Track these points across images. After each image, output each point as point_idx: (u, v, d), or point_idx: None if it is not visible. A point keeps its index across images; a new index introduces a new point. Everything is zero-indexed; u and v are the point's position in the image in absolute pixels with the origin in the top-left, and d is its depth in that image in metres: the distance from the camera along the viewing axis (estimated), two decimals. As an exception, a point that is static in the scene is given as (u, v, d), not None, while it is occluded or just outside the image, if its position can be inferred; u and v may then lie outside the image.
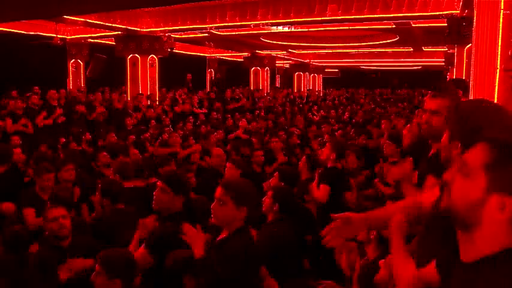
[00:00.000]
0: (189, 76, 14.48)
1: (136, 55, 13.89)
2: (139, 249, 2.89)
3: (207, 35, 14.05)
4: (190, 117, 11.38)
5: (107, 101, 11.58)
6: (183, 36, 14.76)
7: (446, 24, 10.16)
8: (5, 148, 5.42)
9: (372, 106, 16.86)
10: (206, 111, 12.88)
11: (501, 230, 1.05)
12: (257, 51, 20.12)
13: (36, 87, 10.82)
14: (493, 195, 1.05)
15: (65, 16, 11.30)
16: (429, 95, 2.39)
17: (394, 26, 12.49)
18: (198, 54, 19.42)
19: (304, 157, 5.31)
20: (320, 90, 26.37)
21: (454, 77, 10.08)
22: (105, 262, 2.52)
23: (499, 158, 1.05)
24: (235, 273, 2.53)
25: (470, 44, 7.58)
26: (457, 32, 9.76)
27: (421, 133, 2.75)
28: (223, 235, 2.70)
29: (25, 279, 2.96)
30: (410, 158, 2.63)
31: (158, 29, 13.19)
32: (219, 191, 2.67)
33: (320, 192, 4.44)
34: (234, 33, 14.01)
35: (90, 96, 11.67)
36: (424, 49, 18.50)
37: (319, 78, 29.80)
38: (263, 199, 3.65)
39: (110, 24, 12.42)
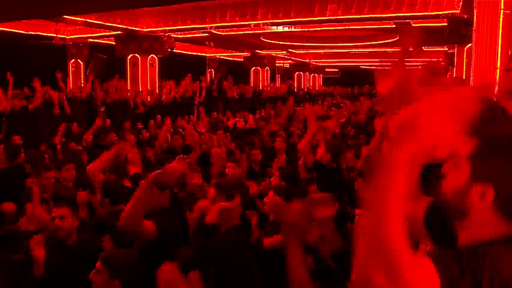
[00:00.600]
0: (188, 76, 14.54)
1: (136, 55, 13.90)
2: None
3: (207, 35, 14.05)
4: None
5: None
6: (183, 36, 14.77)
7: (446, 24, 10.17)
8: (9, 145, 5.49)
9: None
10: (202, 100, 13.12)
11: (488, 217, 1.08)
12: (257, 51, 20.12)
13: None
14: (476, 185, 1.08)
15: (65, 16, 11.32)
16: None
17: (394, 26, 12.50)
18: (198, 54, 19.42)
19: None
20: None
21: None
22: (108, 262, 2.53)
23: (481, 150, 1.08)
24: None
25: (470, 44, 7.59)
26: (457, 32, 9.78)
27: None
28: None
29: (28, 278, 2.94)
30: None
31: (158, 29, 13.20)
32: (211, 192, 2.70)
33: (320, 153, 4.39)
34: (234, 33, 14.01)
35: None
36: (424, 49, 18.50)
37: (319, 78, 29.81)
38: (264, 199, 3.65)
39: (110, 24, 12.43)
